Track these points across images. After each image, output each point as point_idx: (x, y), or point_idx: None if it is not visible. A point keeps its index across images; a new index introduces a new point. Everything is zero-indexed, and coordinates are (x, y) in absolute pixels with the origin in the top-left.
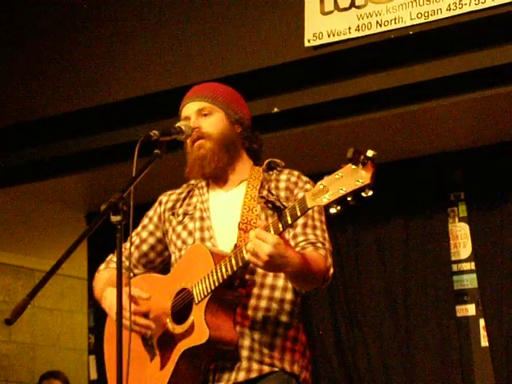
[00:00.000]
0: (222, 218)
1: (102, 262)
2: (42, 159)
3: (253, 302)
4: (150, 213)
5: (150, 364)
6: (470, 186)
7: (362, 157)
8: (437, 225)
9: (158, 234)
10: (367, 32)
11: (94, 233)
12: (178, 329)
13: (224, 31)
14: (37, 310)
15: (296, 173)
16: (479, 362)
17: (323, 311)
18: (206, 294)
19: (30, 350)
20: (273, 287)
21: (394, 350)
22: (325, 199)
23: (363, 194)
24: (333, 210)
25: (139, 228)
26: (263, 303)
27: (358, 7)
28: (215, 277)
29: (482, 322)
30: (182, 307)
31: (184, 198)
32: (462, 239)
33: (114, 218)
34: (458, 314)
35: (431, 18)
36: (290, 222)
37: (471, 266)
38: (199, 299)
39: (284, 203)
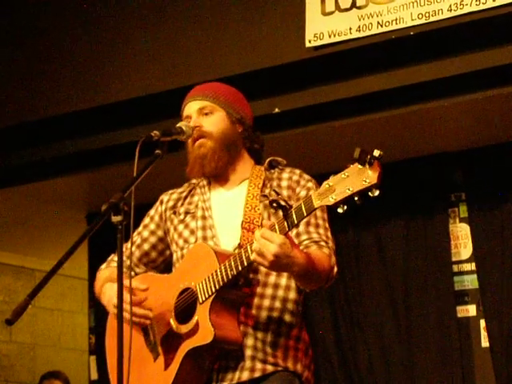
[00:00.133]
0: (224, 217)
1: (103, 262)
2: (43, 159)
3: (256, 301)
4: (152, 212)
5: (153, 364)
6: (470, 186)
7: (369, 156)
8: (437, 225)
9: (160, 232)
10: (368, 32)
11: (95, 233)
12: (182, 328)
13: (225, 31)
14: (37, 310)
15: (298, 171)
16: (480, 362)
17: (323, 311)
18: (210, 293)
19: (31, 350)
20: (276, 286)
21: (395, 350)
22: (331, 199)
23: (370, 194)
24: (340, 210)
25: (140, 227)
26: (266, 302)
27: (359, 8)
28: (220, 276)
29: (482, 323)
30: (185, 307)
31: (185, 197)
32: (462, 240)
33: (115, 219)
34: (459, 315)
35: (432, 19)
36: (296, 221)
37: (472, 266)
38: (203, 299)
39: (287, 202)
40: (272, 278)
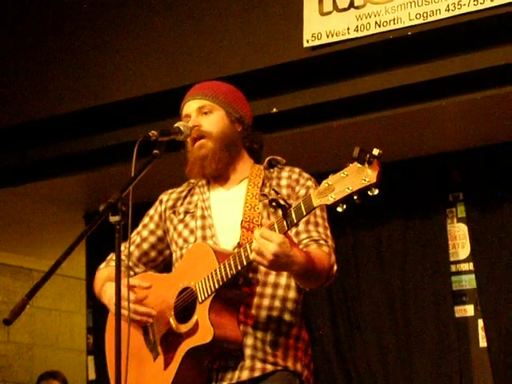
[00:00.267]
0: (223, 217)
1: (101, 262)
2: (41, 160)
3: (255, 300)
4: (151, 211)
5: (153, 363)
6: (468, 186)
7: (368, 155)
8: (435, 225)
9: (159, 232)
10: (366, 32)
11: (93, 233)
12: (182, 328)
13: (223, 31)
14: (35, 310)
15: (297, 170)
16: (477, 362)
17: (322, 312)
18: (209, 292)
19: (29, 350)
20: (275, 285)
21: (393, 351)
22: (331, 198)
23: (369, 193)
24: (339, 209)
25: (140, 227)
26: (266, 301)
27: (357, 8)
28: (219, 276)
29: (480, 323)
30: (185, 306)
31: (185, 197)
32: (460, 240)
33: (113, 219)
34: (457, 315)
35: (430, 19)
36: (295, 221)
37: (470, 266)
38: (203, 298)
39: (287, 201)
40: (271, 278)
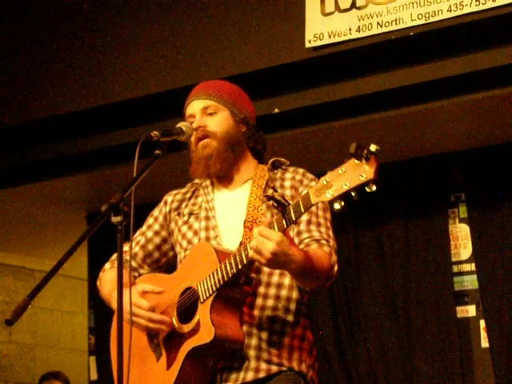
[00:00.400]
0: (227, 217)
1: (103, 262)
2: (43, 160)
3: (259, 301)
4: (155, 212)
5: (156, 364)
6: (470, 187)
7: (366, 151)
8: (437, 226)
9: (164, 233)
10: (368, 33)
11: (95, 233)
12: (184, 328)
13: (225, 32)
14: (37, 310)
15: (301, 170)
16: (480, 362)
17: (323, 312)
18: (211, 292)
19: (31, 351)
20: (279, 286)
21: (395, 351)
22: (329, 195)
23: (367, 189)
24: (337, 206)
25: (144, 227)
26: (270, 302)
27: (359, 8)
28: (220, 275)
29: (482, 323)
30: (187, 306)
31: (189, 198)
32: (462, 240)
33: (115, 219)
34: (459, 315)
35: (432, 19)
36: (294, 218)
37: (472, 267)
38: (204, 298)
39: (290, 201)
40: (275, 278)
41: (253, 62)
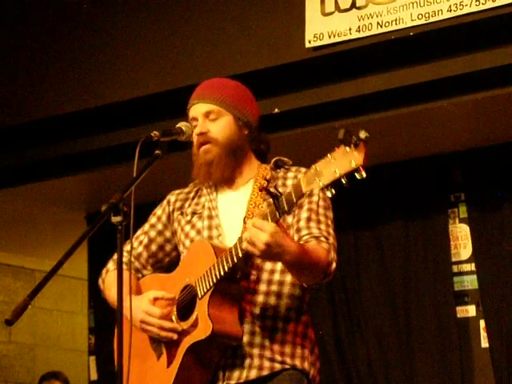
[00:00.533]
0: (230, 216)
1: (103, 262)
2: (43, 160)
3: (261, 299)
4: (158, 212)
5: (157, 362)
6: (470, 187)
7: (355, 138)
8: (437, 226)
9: (167, 233)
10: (368, 33)
11: (95, 233)
12: (183, 325)
13: (225, 32)
14: (37, 310)
15: (303, 170)
16: (479, 363)
17: (323, 312)
18: (208, 287)
19: (30, 351)
20: (281, 283)
21: (394, 351)
22: (320, 183)
23: (357, 176)
24: (328, 194)
25: (147, 227)
26: (272, 300)
27: (359, 8)
28: (217, 270)
29: (482, 323)
30: (186, 303)
31: (192, 198)
32: (462, 240)
33: (115, 219)
34: (459, 315)
35: (432, 19)
36: (286, 208)
37: (471, 267)
38: (202, 294)
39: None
40: (277, 276)
41: (253, 62)
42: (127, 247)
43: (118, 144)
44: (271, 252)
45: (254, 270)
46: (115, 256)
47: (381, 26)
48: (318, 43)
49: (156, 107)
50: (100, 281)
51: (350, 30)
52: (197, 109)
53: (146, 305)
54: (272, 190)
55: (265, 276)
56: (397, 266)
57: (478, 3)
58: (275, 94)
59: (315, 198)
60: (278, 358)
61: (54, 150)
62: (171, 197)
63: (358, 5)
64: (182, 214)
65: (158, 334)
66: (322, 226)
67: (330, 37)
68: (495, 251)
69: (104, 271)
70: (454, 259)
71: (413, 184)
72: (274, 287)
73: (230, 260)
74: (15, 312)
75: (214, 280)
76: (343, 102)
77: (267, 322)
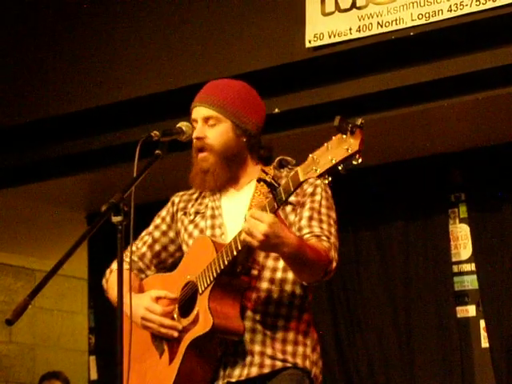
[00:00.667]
0: (233, 216)
1: (103, 262)
2: (43, 160)
3: (263, 296)
4: (163, 213)
5: (159, 360)
6: (470, 187)
7: (350, 125)
8: (437, 226)
9: (171, 234)
10: (368, 33)
11: (95, 233)
12: (184, 321)
13: (225, 32)
14: (37, 310)
15: None
16: (480, 363)
17: (323, 312)
18: (208, 282)
19: (31, 351)
20: (283, 281)
21: (395, 351)
22: (317, 171)
23: (354, 162)
24: (325, 182)
25: (151, 228)
26: (274, 297)
27: (359, 8)
28: (217, 264)
29: (482, 323)
30: (188, 300)
31: (196, 199)
32: (462, 240)
33: (115, 219)
34: (459, 315)
35: (432, 19)
36: (284, 198)
37: (472, 267)
38: (202, 289)
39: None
40: (279, 274)
41: (253, 62)
42: (133, 247)
43: (118, 144)
44: (270, 243)
45: (256, 268)
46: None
47: (381, 26)
48: (319, 43)
49: (156, 107)
50: (104, 281)
51: (350, 29)
52: (197, 112)
53: (147, 302)
54: (269, 180)
55: (267, 274)
56: (397, 266)
57: (478, 3)
58: (275, 94)
59: (318, 198)
60: (280, 356)
61: (54, 150)
62: (175, 198)
63: (358, 5)
64: (185, 214)
65: (158, 331)
66: (324, 226)
67: (330, 37)
68: (495, 251)
69: (108, 271)
70: (454, 259)
71: (413, 184)
72: (276, 285)
73: (229, 253)
74: (15, 312)
75: (214, 274)
76: (343, 102)
77: (269, 320)
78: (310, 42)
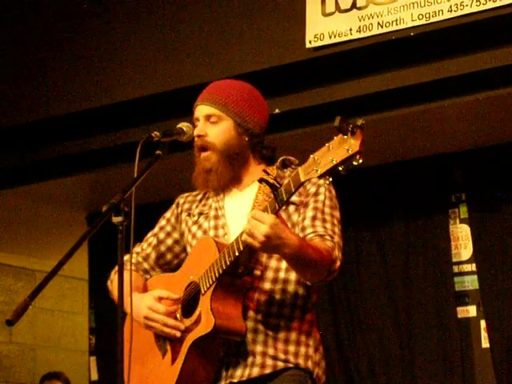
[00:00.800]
0: (236, 216)
1: (104, 262)
2: (44, 160)
3: (266, 296)
4: (168, 214)
5: (162, 360)
6: (471, 187)
7: (351, 126)
8: (438, 226)
9: (176, 235)
10: (368, 33)
11: (95, 234)
12: (187, 322)
13: (226, 32)
14: (38, 310)
15: None
16: (480, 363)
17: (324, 312)
18: (210, 282)
19: (31, 351)
20: (286, 281)
21: (395, 351)
22: (317, 171)
23: (354, 163)
24: (327, 182)
25: (156, 229)
26: (276, 298)
27: (359, 8)
28: (219, 264)
29: (482, 324)
30: (190, 300)
31: (200, 200)
32: (462, 240)
33: (116, 219)
34: (459, 316)
35: (432, 20)
36: (285, 199)
37: (472, 267)
38: (205, 289)
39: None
40: (281, 274)
41: (253, 63)
42: (136, 248)
43: (118, 144)
44: (271, 244)
45: (258, 268)
46: (126, 256)
47: (381, 27)
48: (319, 43)
49: (157, 107)
50: (108, 282)
51: (350, 30)
52: (200, 110)
53: (150, 301)
54: (271, 180)
55: (270, 274)
56: (397, 266)
57: (478, 3)
58: (276, 95)
59: (321, 197)
60: (281, 356)
61: (54, 150)
62: (180, 199)
63: (358, 5)
64: (189, 215)
65: (161, 330)
66: (328, 225)
67: (330, 37)
68: (496, 251)
69: (113, 272)
70: (454, 259)
71: (413, 184)
72: (279, 285)
73: (231, 254)
74: (16, 312)
75: (217, 275)
76: (344, 102)
77: (271, 320)
78: (310, 42)
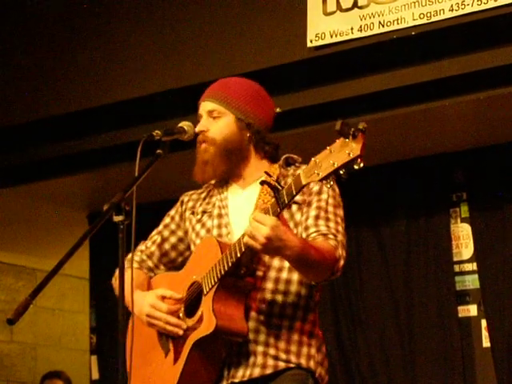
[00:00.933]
0: (239, 215)
1: (105, 261)
2: (44, 159)
3: (268, 296)
4: (172, 212)
5: (164, 360)
6: (472, 186)
7: (352, 129)
8: (439, 225)
9: (180, 233)
10: (369, 32)
11: (96, 233)
12: (189, 322)
13: (227, 31)
14: (38, 309)
15: None
16: (481, 362)
17: (325, 312)
18: (213, 283)
19: (32, 350)
20: (288, 281)
21: (396, 351)
22: (318, 175)
23: (355, 167)
24: (328, 186)
25: (160, 227)
26: (279, 298)
27: (361, 8)
28: (221, 265)
29: (483, 323)
30: (193, 300)
31: (204, 198)
32: (464, 240)
33: (117, 218)
34: (460, 315)
35: (434, 19)
36: (286, 201)
37: (473, 266)
38: (207, 290)
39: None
40: (284, 274)
41: (254, 62)
42: (141, 246)
43: (119, 143)
44: (272, 246)
45: (261, 268)
46: (129, 255)
47: (382, 26)
48: (320, 43)
49: (158, 106)
50: (113, 279)
51: (351, 29)
52: (203, 106)
53: (153, 299)
54: (272, 183)
55: (272, 274)
56: (398, 265)
57: (479, 3)
58: (276, 94)
59: (324, 196)
60: (283, 356)
61: (55, 149)
62: (184, 197)
63: (359, 4)
64: (193, 213)
65: (164, 328)
66: (331, 224)
67: (331, 36)
68: (497, 251)
69: (117, 270)
70: (455, 259)
71: (414, 184)
72: (281, 285)
73: (233, 255)
74: (17, 311)
75: (219, 275)
76: (345, 102)
77: (273, 320)
78: (311, 41)
